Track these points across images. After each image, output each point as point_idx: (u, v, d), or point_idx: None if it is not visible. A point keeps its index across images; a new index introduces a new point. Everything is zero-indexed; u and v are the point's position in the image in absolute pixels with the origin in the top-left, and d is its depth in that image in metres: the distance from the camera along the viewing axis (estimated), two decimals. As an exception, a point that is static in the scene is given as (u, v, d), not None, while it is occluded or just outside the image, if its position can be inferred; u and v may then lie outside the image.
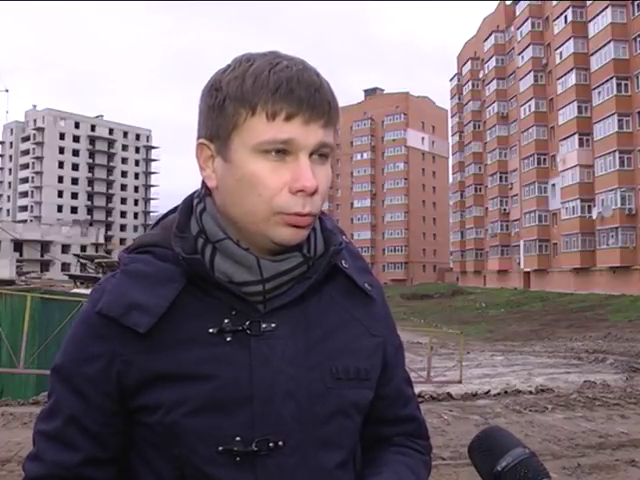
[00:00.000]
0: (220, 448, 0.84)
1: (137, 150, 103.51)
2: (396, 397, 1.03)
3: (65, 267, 52.79)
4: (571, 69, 44.08)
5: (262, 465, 0.85)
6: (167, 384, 0.85)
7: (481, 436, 0.89)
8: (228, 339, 0.86)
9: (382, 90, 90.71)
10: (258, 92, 0.81)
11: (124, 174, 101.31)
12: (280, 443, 0.86)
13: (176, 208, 0.97)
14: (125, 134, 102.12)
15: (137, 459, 0.90)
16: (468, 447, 0.89)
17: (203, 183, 0.93)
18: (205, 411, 0.84)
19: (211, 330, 0.86)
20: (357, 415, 0.94)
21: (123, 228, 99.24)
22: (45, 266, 58.46)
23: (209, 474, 0.84)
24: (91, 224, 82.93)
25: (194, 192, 0.97)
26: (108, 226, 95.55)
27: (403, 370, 1.06)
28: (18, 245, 58.27)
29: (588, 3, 42.71)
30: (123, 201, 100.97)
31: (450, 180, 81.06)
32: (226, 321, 0.87)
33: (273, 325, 0.88)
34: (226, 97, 0.83)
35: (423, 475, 1.00)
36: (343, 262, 0.96)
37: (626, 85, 39.59)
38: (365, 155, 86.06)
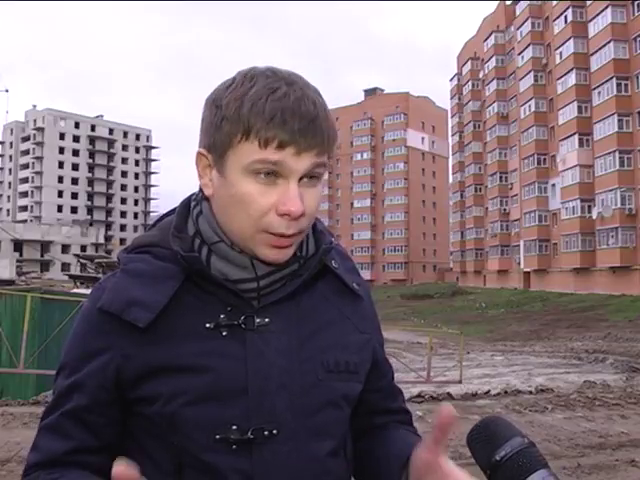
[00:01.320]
0: (217, 436, 0.88)
1: (137, 150, 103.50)
2: (389, 391, 1.10)
3: (65, 267, 52.80)
4: (571, 69, 44.06)
5: (257, 452, 0.89)
6: (166, 376, 0.89)
7: (480, 425, 0.88)
8: (224, 333, 0.91)
9: (382, 90, 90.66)
10: (253, 118, 0.84)
11: (124, 174, 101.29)
12: (274, 432, 0.90)
13: (173, 210, 1.02)
14: (125, 134, 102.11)
15: (136, 449, 0.93)
16: (467, 437, 0.89)
17: (201, 187, 0.97)
18: (203, 401, 0.88)
19: (208, 325, 0.90)
20: (347, 406, 0.99)
21: (123, 228, 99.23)
22: (45, 266, 58.46)
23: (207, 461, 0.88)
24: (91, 224, 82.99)
25: (192, 195, 1.01)
26: (108, 226, 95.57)
27: (390, 366, 1.13)
28: (18, 245, 58.30)
29: (588, 3, 42.67)
30: (123, 201, 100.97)
31: (450, 180, 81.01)
32: (222, 316, 0.91)
33: (267, 320, 0.92)
34: (224, 117, 0.87)
35: None
36: (333, 262, 1.01)
37: (626, 85, 39.57)
38: (365, 155, 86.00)
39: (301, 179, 0.87)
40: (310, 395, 0.93)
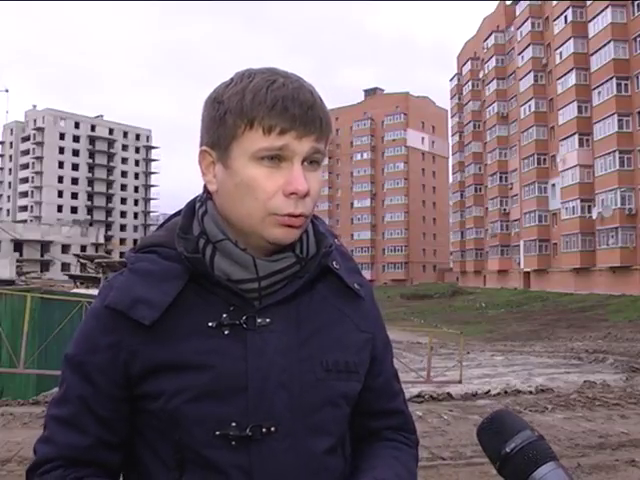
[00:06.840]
0: (217, 433, 0.91)
1: (137, 150, 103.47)
2: (384, 390, 1.10)
3: (65, 267, 52.86)
4: (571, 69, 44.08)
5: (256, 449, 0.92)
6: (169, 373, 0.92)
7: (490, 418, 0.90)
8: (226, 332, 0.94)
9: (382, 90, 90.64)
10: (256, 108, 0.89)
11: (124, 174, 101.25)
12: (272, 429, 0.93)
13: (179, 212, 1.05)
14: (125, 134, 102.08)
15: (141, 444, 0.97)
16: (477, 429, 0.91)
17: (205, 187, 1.00)
18: (204, 398, 0.92)
19: (210, 324, 0.94)
20: (346, 405, 1.01)
21: (123, 228, 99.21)
22: (45, 266, 58.46)
23: (207, 457, 0.92)
24: (91, 224, 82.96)
25: (196, 196, 1.05)
26: (108, 226, 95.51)
27: (391, 365, 1.13)
28: (18, 245, 58.28)
29: (588, 3, 42.70)
30: (123, 201, 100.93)
31: (450, 180, 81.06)
32: (224, 316, 0.94)
33: (268, 320, 0.95)
34: (227, 111, 0.91)
35: (413, 468, 1.06)
36: (334, 263, 1.03)
37: (626, 85, 39.58)
38: (365, 155, 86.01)
39: (302, 163, 0.92)
40: (309, 394, 0.95)
